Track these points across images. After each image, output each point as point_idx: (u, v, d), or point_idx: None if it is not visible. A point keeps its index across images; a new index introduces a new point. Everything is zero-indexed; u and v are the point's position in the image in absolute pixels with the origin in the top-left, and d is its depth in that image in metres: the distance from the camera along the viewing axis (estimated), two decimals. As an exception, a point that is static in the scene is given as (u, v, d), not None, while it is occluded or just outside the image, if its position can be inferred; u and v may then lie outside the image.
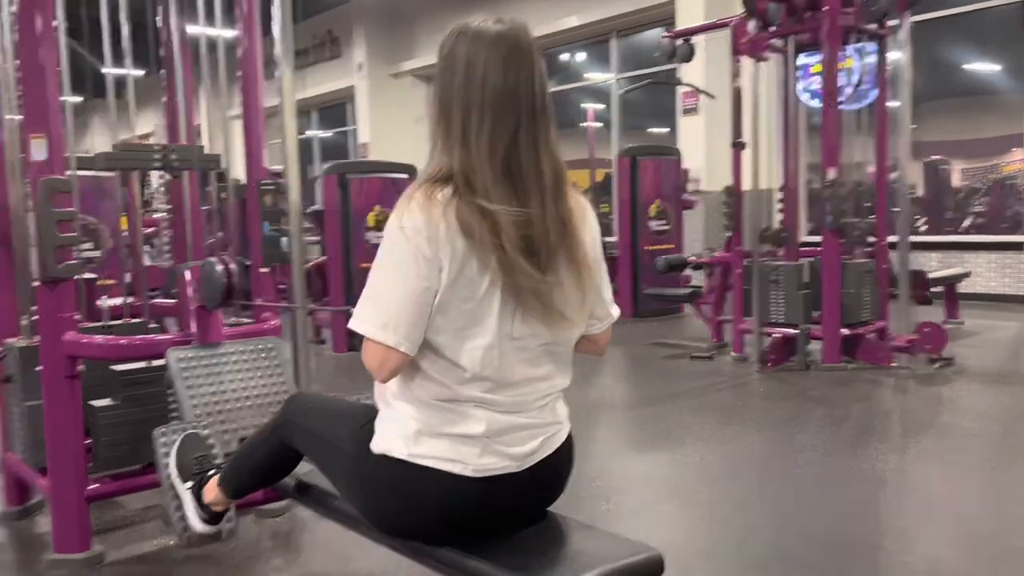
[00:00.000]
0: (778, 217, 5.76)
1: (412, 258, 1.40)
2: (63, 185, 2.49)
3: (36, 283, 2.54)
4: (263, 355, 2.56)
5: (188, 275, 2.57)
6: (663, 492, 3.16)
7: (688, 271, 7.39)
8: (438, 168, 1.46)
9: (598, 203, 11.98)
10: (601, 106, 12.67)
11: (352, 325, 1.46)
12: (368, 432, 1.56)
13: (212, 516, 2.03)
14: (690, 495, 3.13)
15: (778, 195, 5.80)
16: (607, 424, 4.20)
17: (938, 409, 4.33)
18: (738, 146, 5.48)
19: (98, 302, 3.41)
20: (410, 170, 6.64)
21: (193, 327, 2.56)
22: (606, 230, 9.35)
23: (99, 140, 15.98)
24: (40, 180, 2.45)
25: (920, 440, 3.85)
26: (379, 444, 1.52)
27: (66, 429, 2.55)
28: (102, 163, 2.77)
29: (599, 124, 13.02)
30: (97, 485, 2.60)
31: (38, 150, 2.50)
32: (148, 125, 11.36)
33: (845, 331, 5.15)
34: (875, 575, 2.41)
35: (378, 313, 1.43)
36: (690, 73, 8.54)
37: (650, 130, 12.28)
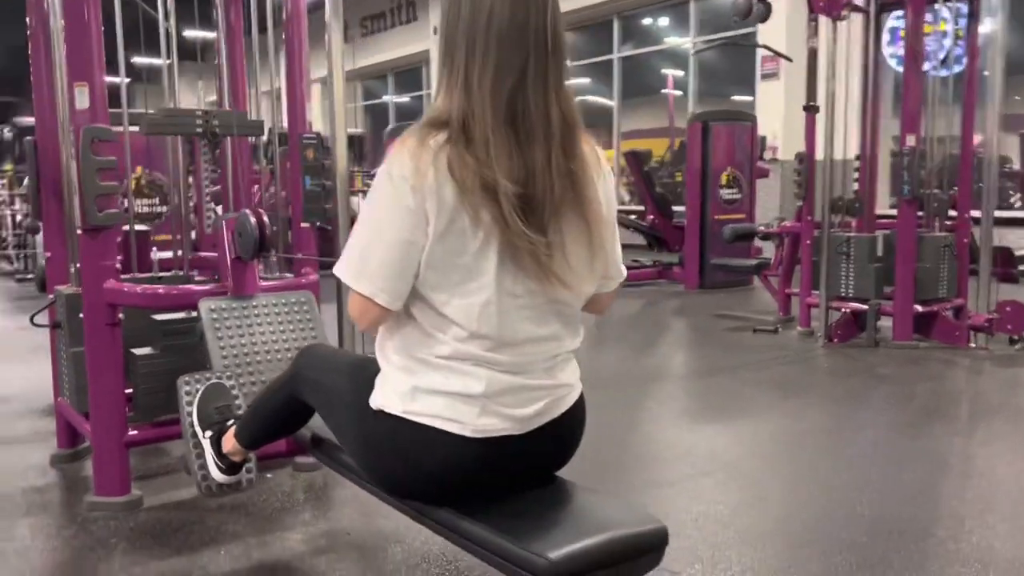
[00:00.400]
0: (856, 187, 5.49)
1: (395, 208, 1.34)
2: (105, 134, 2.51)
3: (79, 231, 2.58)
4: (295, 309, 2.55)
5: (225, 228, 2.57)
6: (708, 464, 3.04)
7: (758, 241, 7.18)
8: (438, 112, 1.39)
9: (675, 172, 11.75)
10: (681, 72, 12.37)
11: (335, 271, 1.41)
12: (369, 387, 1.51)
13: (230, 466, 2.03)
14: (735, 469, 3.01)
15: (856, 163, 5.52)
16: (659, 394, 4.10)
17: (1014, 392, 4.08)
18: (810, 110, 5.22)
19: (151, 254, 3.47)
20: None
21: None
22: (677, 199, 9.15)
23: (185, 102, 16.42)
24: (82, 128, 2.48)
25: (990, 423, 3.62)
26: (377, 399, 1.47)
27: (106, 376, 2.60)
28: (144, 128, 2.79)
29: (679, 92, 12.71)
30: (135, 432, 2.65)
31: (81, 98, 2.53)
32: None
33: (918, 308, 4.89)
34: (921, 562, 2.27)
35: (356, 262, 1.39)
36: (770, 35, 8.22)
37: (734, 97, 11.92)
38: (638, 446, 3.25)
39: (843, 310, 5.12)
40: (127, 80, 2.97)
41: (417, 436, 1.42)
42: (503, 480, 1.48)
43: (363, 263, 1.38)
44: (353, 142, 8.26)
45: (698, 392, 4.15)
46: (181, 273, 3.25)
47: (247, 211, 2.47)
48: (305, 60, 2.98)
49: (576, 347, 1.53)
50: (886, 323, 5.00)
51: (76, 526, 2.52)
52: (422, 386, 1.42)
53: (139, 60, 3.89)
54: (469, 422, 1.41)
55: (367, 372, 1.55)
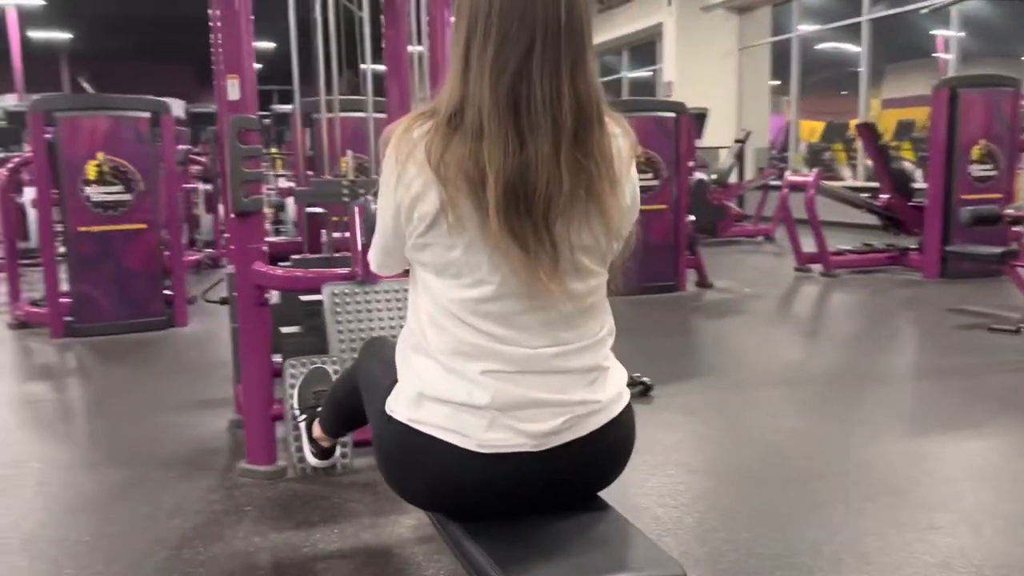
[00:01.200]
0: None
1: (385, 200, 1.32)
2: (250, 123, 2.64)
3: (231, 216, 2.75)
4: (417, 295, 2.54)
5: (357, 213, 2.62)
6: (876, 486, 2.66)
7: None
8: (437, 98, 1.28)
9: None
10: (959, 34, 11.05)
11: None
12: (392, 388, 1.44)
13: (321, 451, 2.06)
14: (907, 493, 2.60)
15: None
16: (847, 397, 3.66)
17: None
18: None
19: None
20: (681, 108, 6.28)
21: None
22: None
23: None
24: (230, 118, 2.63)
25: None
26: (390, 403, 1.40)
27: (255, 351, 2.77)
28: (299, 199, 3.01)
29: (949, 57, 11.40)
30: (281, 405, 2.79)
31: (232, 90, 2.68)
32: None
33: None
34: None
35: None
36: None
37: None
38: (802, 457, 2.92)
39: (1104, 310, 4.31)
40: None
41: (421, 446, 1.33)
42: (523, 498, 1.36)
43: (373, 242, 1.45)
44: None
45: (896, 398, 3.66)
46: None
47: (371, 197, 2.49)
48: (447, 36, 2.96)
49: (606, 348, 1.37)
50: None
51: (224, 490, 2.71)
52: (428, 393, 1.33)
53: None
54: (474, 435, 1.30)
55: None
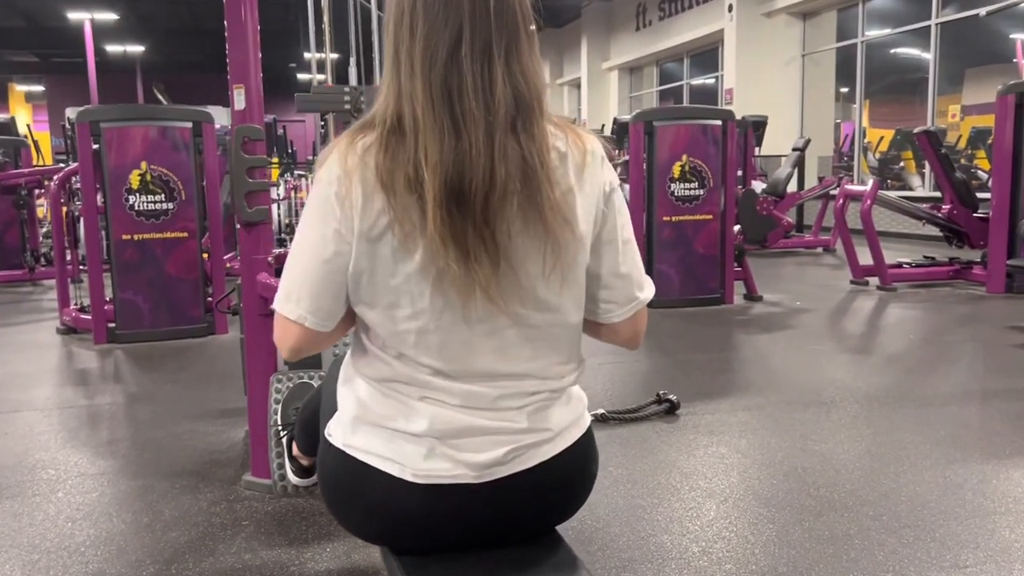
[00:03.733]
0: None
1: (322, 218, 1.18)
2: (254, 133, 2.62)
3: (239, 226, 2.74)
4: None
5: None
6: (899, 518, 2.49)
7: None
8: (373, 110, 1.21)
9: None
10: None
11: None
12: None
13: (301, 469, 2.01)
14: (930, 530, 2.42)
15: None
16: (882, 422, 3.45)
17: None
18: None
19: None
20: (728, 115, 6.10)
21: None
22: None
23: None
24: (235, 128, 2.62)
25: None
26: (330, 425, 1.34)
27: (259, 362, 2.74)
28: (299, 106, 2.90)
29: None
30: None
31: (239, 99, 2.67)
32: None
33: None
34: None
35: (284, 281, 1.24)
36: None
37: None
38: (826, 485, 2.76)
39: None
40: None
41: (357, 474, 1.26)
42: (468, 532, 1.28)
43: (291, 283, 1.23)
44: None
45: (938, 422, 3.42)
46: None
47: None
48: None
49: (562, 385, 1.27)
50: None
51: (226, 503, 2.69)
52: (365, 417, 1.26)
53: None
54: (411, 464, 1.22)
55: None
